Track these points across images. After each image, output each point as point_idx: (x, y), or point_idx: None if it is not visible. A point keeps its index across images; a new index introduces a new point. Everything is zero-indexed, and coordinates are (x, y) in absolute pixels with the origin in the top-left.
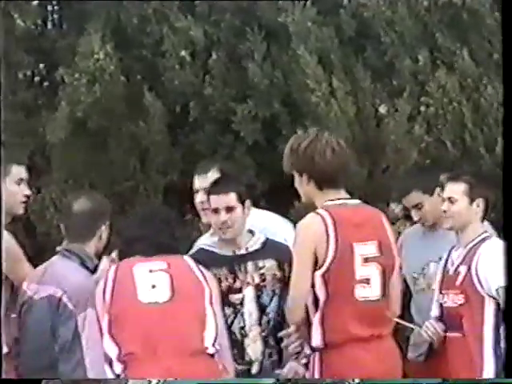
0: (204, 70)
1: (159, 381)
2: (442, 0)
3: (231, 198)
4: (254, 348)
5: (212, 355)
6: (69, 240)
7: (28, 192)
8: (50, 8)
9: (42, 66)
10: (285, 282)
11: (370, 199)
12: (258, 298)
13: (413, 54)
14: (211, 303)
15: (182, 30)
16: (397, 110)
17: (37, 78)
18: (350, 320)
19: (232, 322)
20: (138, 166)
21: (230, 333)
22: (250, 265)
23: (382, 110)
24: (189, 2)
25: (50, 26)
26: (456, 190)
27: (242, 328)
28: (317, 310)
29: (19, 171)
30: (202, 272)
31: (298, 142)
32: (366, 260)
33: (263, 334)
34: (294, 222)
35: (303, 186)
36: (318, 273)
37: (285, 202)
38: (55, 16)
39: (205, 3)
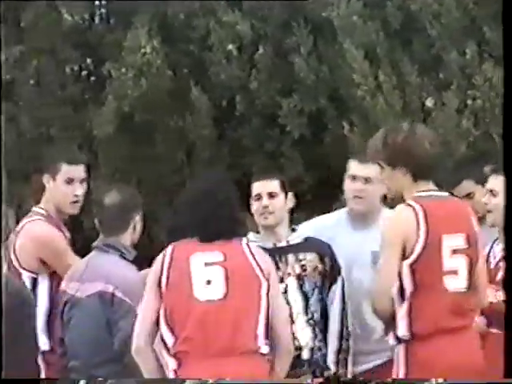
0: (250, 64)
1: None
2: None
3: (274, 185)
4: (302, 334)
5: (264, 354)
6: (104, 234)
7: (78, 192)
8: (97, 3)
9: (89, 60)
10: (325, 275)
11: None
12: (301, 287)
13: (460, 47)
14: (267, 295)
15: (229, 25)
16: (444, 104)
17: (84, 73)
18: (438, 311)
19: None
20: (185, 160)
21: None
22: (290, 256)
23: (429, 103)
24: None
25: (97, 20)
26: (498, 182)
27: (289, 316)
28: (403, 301)
29: (69, 170)
30: (258, 263)
31: (393, 136)
32: (454, 252)
33: (310, 322)
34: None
35: (395, 179)
36: (406, 262)
37: (330, 196)
38: (102, 11)
39: None
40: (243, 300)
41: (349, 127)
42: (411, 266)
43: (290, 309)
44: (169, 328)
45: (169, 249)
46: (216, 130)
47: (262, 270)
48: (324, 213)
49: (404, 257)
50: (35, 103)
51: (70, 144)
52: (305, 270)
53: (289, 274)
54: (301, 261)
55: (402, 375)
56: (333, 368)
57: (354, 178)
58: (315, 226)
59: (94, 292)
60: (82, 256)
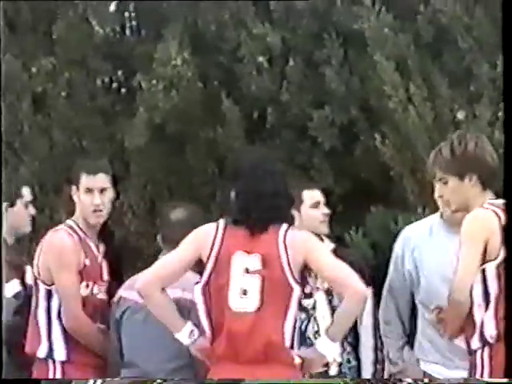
0: (281, 76)
1: None
2: None
3: (317, 194)
4: (330, 349)
5: (293, 361)
6: (167, 248)
7: (97, 201)
8: (127, 14)
9: (120, 72)
10: None
11: None
12: (330, 302)
13: (491, 60)
14: (298, 303)
15: (260, 36)
16: (475, 116)
17: (115, 85)
18: None
19: (306, 327)
20: (216, 172)
21: (305, 337)
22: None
23: (460, 115)
24: (266, 8)
25: (128, 32)
26: None
27: (317, 332)
28: (488, 303)
29: (87, 180)
30: (290, 268)
31: (462, 145)
32: None
33: None
34: (370, 229)
35: (464, 189)
36: (492, 264)
37: (362, 208)
38: (133, 22)
39: (282, 9)
40: (275, 312)
41: (380, 139)
42: (498, 268)
43: (318, 325)
44: (209, 321)
45: (221, 225)
46: (247, 142)
47: (295, 278)
48: (354, 224)
49: (485, 258)
50: (67, 115)
51: (97, 155)
52: None
53: (317, 289)
54: None
55: (486, 376)
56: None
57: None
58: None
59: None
60: (116, 266)
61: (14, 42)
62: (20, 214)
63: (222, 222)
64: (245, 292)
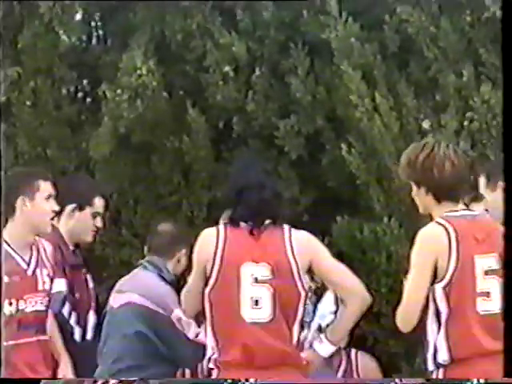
0: (247, 85)
1: None
2: (486, 15)
3: None
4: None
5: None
6: (150, 255)
7: (57, 208)
8: (93, 24)
9: (85, 81)
10: None
11: (414, 215)
12: (337, 299)
13: (457, 69)
14: (304, 305)
15: (226, 46)
16: (441, 125)
17: (80, 94)
18: (475, 334)
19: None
20: (182, 182)
21: None
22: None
23: (426, 125)
24: (232, 18)
25: (94, 41)
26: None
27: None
28: (439, 325)
29: (47, 187)
30: (298, 269)
31: (416, 154)
32: (486, 273)
33: None
34: (336, 238)
35: (421, 197)
36: (439, 285)
37: (328, 217)
38: (99, 32)
39: (248, 19)
40: (287, 320)
41: (346, 148)
42: (445, 288)
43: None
44: (212, 332)
45: (221, 231)
46: (213, 152)
47: (302, 283)
48: (320, 234)
49: (435, 278)
50: (32, 124)
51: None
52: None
53: (310, 287)
54: None
55: None
56: None
57: None
58: None
59: (124, 302)
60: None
61: None
62: (86, 221)
63: (221, 227)
64: (256, 302)
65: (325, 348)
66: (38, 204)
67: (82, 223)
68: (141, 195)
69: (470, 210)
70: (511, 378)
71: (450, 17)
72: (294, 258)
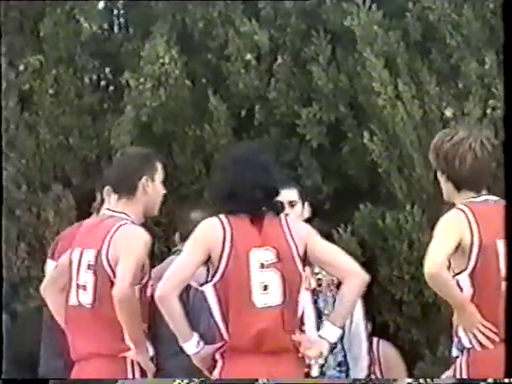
0: (269, 73)
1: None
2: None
3: (293, 194)
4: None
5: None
6: (182, 242)
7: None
8: (115, 12)
9: (107, 70)
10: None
11: (436, 202)
12: (315, 302)
13: (479, 57)
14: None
15: (247, 34)
16: (464, 113)
17: (102, 83)
18: (500, 318)
19: None
20: (204, 170)
21: None
22: (306, 269)
23: (448, 113)
24: (254, 6)
25: (116, 30)
26: None
27: (303, 331)
28: None
29: (161, 169)
30: (298, 251)
31: (442, 141)
32: None
33: None
34: (358, 226)
35: (443, 184)
36: (465, 274)
37: (350, 205)
38: (121, 20)
39: (270, 7)
40: (296, 303)
41: (368, 136)
42: (470, 276)
43: (304, 325)
44: (222, 318)
45: (225, 221)
46: (235, 140)
47: (300, 259)
48: (342, 222)
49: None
50: (54, 113)
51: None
52: (320, 286)
53: (305, 289)
54: (317, 274)
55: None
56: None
57: None
58: None
59: None
60: None
61: (0, 40)
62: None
63: (223, 216)
64: (265, 287)
65: (331, 333)
66: (157, 185)
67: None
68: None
69: (491, 195)
70: (511, 377)
71: (472, 4)
72: (294, 243)
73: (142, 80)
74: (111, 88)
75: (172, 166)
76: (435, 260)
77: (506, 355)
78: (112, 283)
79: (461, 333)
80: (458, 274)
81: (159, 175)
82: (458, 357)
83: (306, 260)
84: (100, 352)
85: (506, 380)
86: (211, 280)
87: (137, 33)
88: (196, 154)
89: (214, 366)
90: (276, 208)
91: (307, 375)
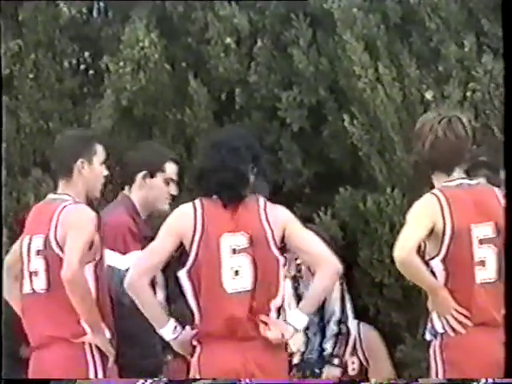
0: (249, 57)
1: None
2: None
3: None
4: (295, 339)
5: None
6: None
7: (107, 173)
8: None
9: (87, 54)
10: None
11: (417, 185)
12: (296, 289)
13: (458, 40)
14: (284, 275)
15: (227, 18)
16: (444, 96)
17: (82, 67)
18: (473, 303)
19: None
20: (184, 154)
21: None
22: (286, 255)
23: (429, 95)
24: None
25: (95, 14)
26: None
27: (284, 321)
28: None
29: (102, 151)
30: (273, 236)
31: (417, 125)
32: (481, 242)
33: None
34: (339, 209)
35: (420, 167)
36: (437, 259)
37: (330, 189)
38: (101, 4)
39: None
40: (268, 288)
41: (349, 119)
42: (443, 261)
43: (284, 313)
44: (196, 304)
45: (198, 206)
46: (215, 123)
47: (276, 244)
48: (323, 205)
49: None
50: (34, 97)
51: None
52: (300, 271)
53: (285, 277)
54: (296, 259)
55: (440, 375)
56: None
57: None
58: None
59: None
60: None
61: None
62: (160, 188)
63: (197, 202)
64: (237, 272)
65: (298, 319)
66: (95, 168)
67: (155, 191)
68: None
69: (468, 178)
70: (511, 378)
71: None
72: (270, 227)
73: (121, 64)
74: (91, 72)
75: None
76: (404, 245)
77: (506, 355)
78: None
79: (434, 317)
80: (432, 258)
81: (99, 157)
82: (431, 341)
83: (284, 246)
84: (57, 336)
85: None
86: (184, 266)
87: (116, 17)
88: (177, 137)
89: (194, 352)
90: (242, 192)
91: (290, 363)
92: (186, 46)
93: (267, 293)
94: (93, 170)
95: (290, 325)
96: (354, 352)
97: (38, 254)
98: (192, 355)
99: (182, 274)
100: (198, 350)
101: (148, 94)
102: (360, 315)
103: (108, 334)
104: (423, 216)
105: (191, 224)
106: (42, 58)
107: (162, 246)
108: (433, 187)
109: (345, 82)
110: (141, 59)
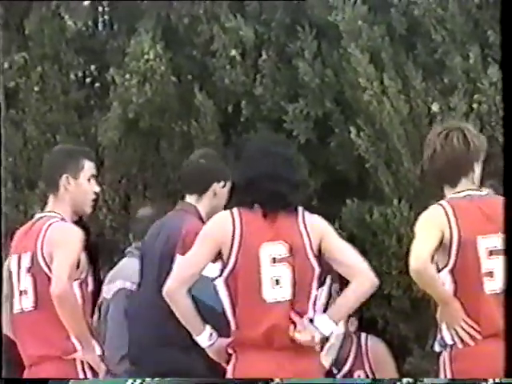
0: (255, 69)
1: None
2: None
3: None
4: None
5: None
6: (135, 241)
7: (98, 189)
8: (100, 9)
9: (93, 66)
10: None
11: (424, 197)
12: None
13: (464, 52)
14: (318, 284)
15: (233, 30)
16: (450, 108)
17: (88, 79)
18: (482, 314)
19: None
20: None
21: None
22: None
23: (435, 107)
24: (239, 2)
25: (100, 26)
26: None
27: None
28: None
29: (90, 167)
30: (311, 246)
31: (429, 136)
32: (491, 253)
33: None
34: (346, 221)
35: (431, 180)
36: (446, 270)
37: (337, 201)
38: (106, 17)
39: (255, 2)
40: (308, 299)
41: (355, 131)
42: (451, 272)
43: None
44: (233, 312)
45: (236, 215)
46: (222, 136)
47: (314, 253)
48: (330, 217)
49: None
50: (40, 110)
51: None
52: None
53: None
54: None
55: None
56: None
57: None
58: None
59: (116, 290)
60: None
61: None
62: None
63: (235, 210)
64: (277, 282)
65: (326, 326)
66: (82, 183)
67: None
68: (150, 180)
69: (476, 190)
70: (511, 378)
71: None
72: (308, 237)
73: (127, 76)
74: (97, 85)
75: (159, 162)
76: (420, 255)
77: (506, 355)
78: (51, 282)
79: (443, 329)
80: (440, 270)
81: (86, 173)
82: (441, 352)
83: (320, 256)
84: (49, 354)
85: (505, 380)
86: (222, 274)
87: (122, 29)
88: (183, 149)
89: (229, 360)
90: (293, 204)
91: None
92: (191, 58)
93: (305, 303)
94: (79, 185)
95: (316, 328)
96: (361, 365)
97: (27, 272)
98: (228, 363)
99: (219, 283)
100: (233, 358)
101: (154, 106)
102: (368, 327)
103: (98, 351)
104: (432, 226)
105: (230, 232)
106: (48, 71)
107: (200, 254)
108: (441, 199)
109: (350, 93)
110: (147, 71)
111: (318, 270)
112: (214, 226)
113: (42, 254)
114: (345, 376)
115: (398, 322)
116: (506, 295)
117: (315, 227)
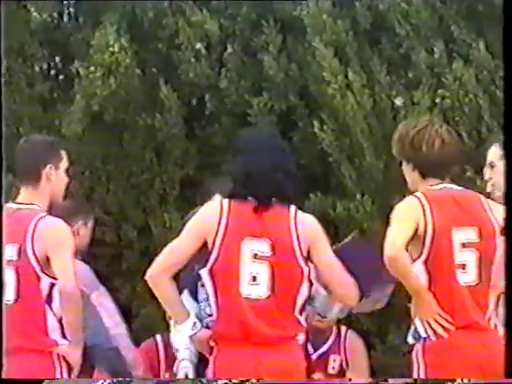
0: (219, 62)
1: None
2: None
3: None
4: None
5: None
6: None
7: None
8: (65, 1)
9: (57, 59)
10: None
11: (387, 191)
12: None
13: (428, 46)
14: (308, 277)
15: (198, 23)
16: (413, 103)
17: (52, 72)
18: (454, 306)
19: None
20: (155, 159)
21: None
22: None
23: (399, 102)
24: None
25: (65, 19)
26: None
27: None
28: None
29: (66, 158)
30: (300, 246)
31: (407, 130)
32: (464, 245)
33: None
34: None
35: (408, 173)
36: (419, 261)
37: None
38: (71, 9)
39: None
40: (286, 299)
41: (319, 125)
42: (425, 263)
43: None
44: (216, 304)
45: (225, 206)
46: (185, 129)
47: (302, 253)
48: None
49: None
50: (4, 102)
51: None
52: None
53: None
54: None
55: (422, 375)
56: None
57: None
58: None
59: None
60: None
61: None
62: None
63: (225, 201)
64: (254, 278)
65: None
66: (61, 174)
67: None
68: (113, 173)
69: (452, 184)
70: (511, 378)
71: None
72: (297, 236)
73: (92, 69)
74: (61, 77)
75: (123, 155)
76: (394, 243)
77: (506, 355)
78: (39, 278)
79: (417, 321)
80: (414, 261)
81: (64, 164)
82: (414, 344)
83: (309, 257)
84: (26, 347)
85: (473, 380)
86: (206, 265)
87: (87, 22)
88: (147, 142)
89: (211, 353)
90: (288, 198)
91: (308, 368)
92: (156, 51)
93: (286, 302)
94: (59, 175)
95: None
96: (338, 351)
97: (10, 264)
98: (211, 355)
99: (204, 273)
100: (215, 350)
101: (118, 99)
102: None
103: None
104: (407, 217)
105: (216, 223)
106: (12, 63)
107: (185, 243)
108: (405, 194)
109: (315, 88)
110: (111, 64)
111: (306, 269)
112: (200, 215)
113: (33, 249)
114: (320, 356)
115: (360, 317)
116: (506, 295)
117: (307, 229)
